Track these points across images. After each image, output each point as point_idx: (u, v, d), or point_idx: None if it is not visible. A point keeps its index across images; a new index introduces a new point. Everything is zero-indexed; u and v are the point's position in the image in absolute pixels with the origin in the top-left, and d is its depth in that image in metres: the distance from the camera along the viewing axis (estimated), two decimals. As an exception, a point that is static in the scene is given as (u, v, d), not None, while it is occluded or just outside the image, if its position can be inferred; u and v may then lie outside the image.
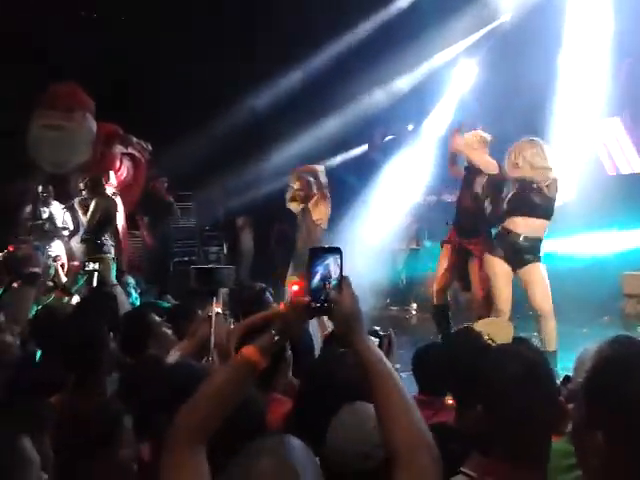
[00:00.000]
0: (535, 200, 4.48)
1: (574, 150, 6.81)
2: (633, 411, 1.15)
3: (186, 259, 9.14)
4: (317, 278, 1.40)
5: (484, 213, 4.99)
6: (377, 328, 2.79)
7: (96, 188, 6.60)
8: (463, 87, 9.28)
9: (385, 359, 1.38)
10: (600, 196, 7.18)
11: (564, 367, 3.65)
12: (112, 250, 6.44)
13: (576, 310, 5.77)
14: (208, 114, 8.57)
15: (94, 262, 5.19)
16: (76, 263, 5.04)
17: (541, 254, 4.62)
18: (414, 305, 8.32)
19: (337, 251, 1.43)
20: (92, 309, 3.41)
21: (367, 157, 9.94)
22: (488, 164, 4.84)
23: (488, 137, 5.06)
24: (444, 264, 5.15)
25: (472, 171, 5.07)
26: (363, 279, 7.42)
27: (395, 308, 8.35)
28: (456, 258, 5.11)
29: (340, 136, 9.44)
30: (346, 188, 9.00)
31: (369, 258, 8.05)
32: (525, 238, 4.50)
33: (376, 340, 2.71)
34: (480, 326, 2.30)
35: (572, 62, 8.32)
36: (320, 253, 1.44)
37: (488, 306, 4.83)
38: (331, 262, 1.42)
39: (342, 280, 1.39)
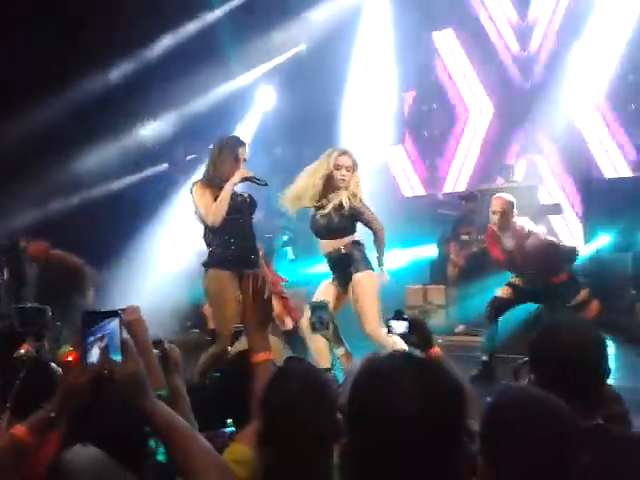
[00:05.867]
0: None
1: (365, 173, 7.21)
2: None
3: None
4: (95, 347, 1.34)
5: None
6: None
7: None
8: (263, 109, 9.51)
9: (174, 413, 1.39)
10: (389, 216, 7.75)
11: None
12: None
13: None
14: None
15: None
16: None
17: None
18: (215, 327, 8.19)
19: (115, 314, 1.37)
20: None
21: (167, 176, 9.67)
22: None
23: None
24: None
25: None
26: (162, 302, 7.18)
27: (196, 331, 8.13)
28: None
29: (139, 153, 9.09)
30: (144, 207, 8.68)
31: (168, 280, 7.79)
32: None
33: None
34: None
35: (359, 91, 8.96)
36: (96, 317, 1.37)
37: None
38: (109, 326, 1.36)
39: (124, 346, 1.35)
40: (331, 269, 4.24)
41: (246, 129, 9.53)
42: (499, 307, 4.86)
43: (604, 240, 7.25)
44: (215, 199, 3.89)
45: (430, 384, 1.15)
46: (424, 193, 9.24)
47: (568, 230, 8.03)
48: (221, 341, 3.82)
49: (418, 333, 2.19)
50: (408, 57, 8.71)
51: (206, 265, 4.02)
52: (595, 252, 7.15)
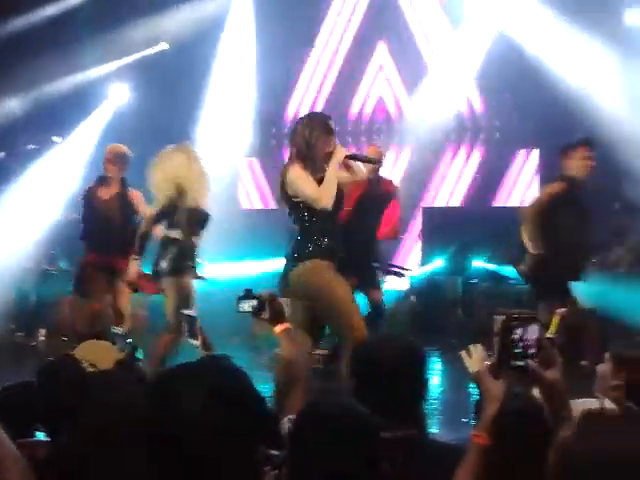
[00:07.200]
0: None
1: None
2: None
3: None
4: None
5: None
6: None
7: None
8: (117, 104, 9.12)
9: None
10: (234, 228, 7.79)
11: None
12: None
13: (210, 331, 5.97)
14: None
15: None
16: None
17: None
18: (43, 331, 7.62)
19: None
20: None
21: (3, 164, 8.89)
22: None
23: (129, 152, 5.13)
24: None
25: None
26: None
27: (21, 334, 7.56)
28: None
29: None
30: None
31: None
32: None
33: None
34: (81, 351, 2.17)
35: (219, 97, 8.91)
36: None
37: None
38: None
39: None
40: None
41: (95, 123, 9.08)
42: None
43: (438, 264, 7.81)
44: (318, 182, 3.49)
45: (215, 388, 1.15)
46: (271, 207, 9.33)
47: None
48: (352, 334, 3.43)
49: (269, 309, 2.25)
50: (271, 69, 8.79)
51: (306, 257, 3.54)
52: (429, 274, 7.70)
